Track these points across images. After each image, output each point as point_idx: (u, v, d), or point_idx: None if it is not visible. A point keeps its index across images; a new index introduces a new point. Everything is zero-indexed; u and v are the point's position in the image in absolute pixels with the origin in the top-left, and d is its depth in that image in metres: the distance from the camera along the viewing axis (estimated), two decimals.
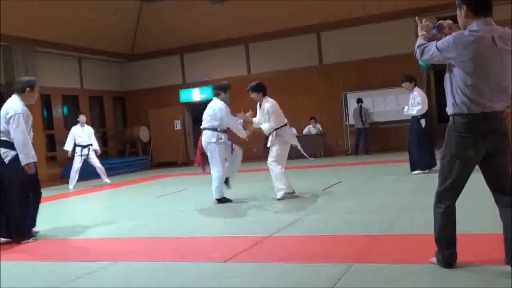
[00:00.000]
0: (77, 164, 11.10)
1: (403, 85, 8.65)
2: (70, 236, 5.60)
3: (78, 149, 11.17)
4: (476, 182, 6.55)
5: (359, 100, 14.51)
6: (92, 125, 16.56)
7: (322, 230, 4.83)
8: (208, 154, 6.91)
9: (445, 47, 3.15)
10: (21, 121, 5.28)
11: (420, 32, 3.41)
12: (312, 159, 6.86)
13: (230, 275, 3.57)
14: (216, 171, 6.85)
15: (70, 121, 16.24)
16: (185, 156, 17.29)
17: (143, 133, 17.30)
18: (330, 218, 5.42)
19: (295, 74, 15.73)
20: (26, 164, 5.27)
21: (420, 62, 3.55)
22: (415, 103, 8.51)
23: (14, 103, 5.40)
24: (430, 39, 3.34)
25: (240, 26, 15.77)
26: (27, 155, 5.27)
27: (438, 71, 19.82)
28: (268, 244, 4.42)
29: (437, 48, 3.19)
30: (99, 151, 11.49)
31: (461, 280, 3.04)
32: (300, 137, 14.79)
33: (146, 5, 16.23)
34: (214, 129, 6.86)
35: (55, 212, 7.94)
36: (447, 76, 3.24)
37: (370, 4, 14.36)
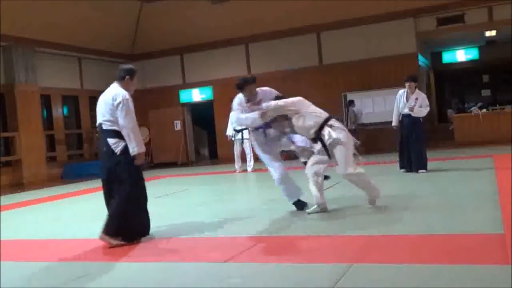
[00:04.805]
0: (236, 147, 11.96)
1: (408, 84, 8.64)
2: (70, 237, 5.60)
3: (234, 133, 11.89)
4: (476, 183, 6.53)
5: (349, 102, 14.58)
6: (92, 125, 16.62)
7: (322, 230, 4.82)
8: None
9: None
10: (131, 106, 4.91)
11: None
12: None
13: (230, 275, 3.57)
14: None
15: (70, 122, 16.30)
16: (185, 156, 17.29)
17: (143, 133, 17.30)
18: (330, 218, 5.42)
19: (295, 74, 15.73)
20: (139, 154, 4.88)
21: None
22: (423, 104, 8.58)
23: (118, 90, 4.98)
24: None
25: (240, 26, 15.77)
26: (140, 143, 4.90)
27: (438, 71, 19.85)
28: (268, 244, 4.42)
29: None
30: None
31: (461, 280, 3.04)
32: None
33: (146, 5, 16.23)
34: None
35: (56, 213, 7.94)
36: None
37: (370, 4, 14.35)
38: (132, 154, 4.86)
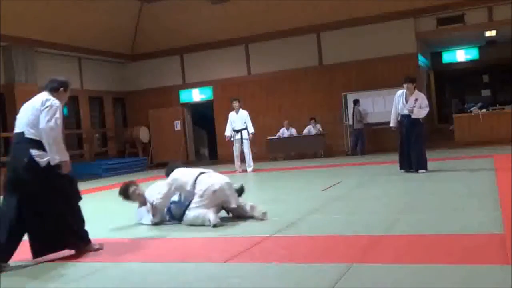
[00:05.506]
0: (235, 148, 11.88)
1: (406, 86, 8.63)
2: None
3: (233, 133, 11.86)
4: (476, 183, 6.52)
5: (354, 102, 14.57)
6: (92, 126, 16.64)
7: (322, 230, 4.82)
8: None
9: None
10: (58, 114, 4.43)
11: None
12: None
13: (230, 275, 3.57)
14: None
15: (70, 122, 16.30)
16: (185, 156, 17.29)
17: (143, 134, 17.31)
18: (330, 218, 5.42)
19: (295, 74, 15.73)
20: (64, 161, 4.41)
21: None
22: (423, 105, 8.58)
23: (49, 96, 4.55)
24: None
25: (240, 26, 15.78)
26: (62, 152, 4.41)
27: (438, 72, 19.84)
28: (268, 244, 4.42)
29: None
30: (251, 136, 11.87)
31: (461, 280, 3.04)
32: (300, 138, 14.98)
33: (146, 6, 16.24)
34: None
35: None
36: None
37: (370, 4, 14.36)
38: (52, 164, 4.33)
